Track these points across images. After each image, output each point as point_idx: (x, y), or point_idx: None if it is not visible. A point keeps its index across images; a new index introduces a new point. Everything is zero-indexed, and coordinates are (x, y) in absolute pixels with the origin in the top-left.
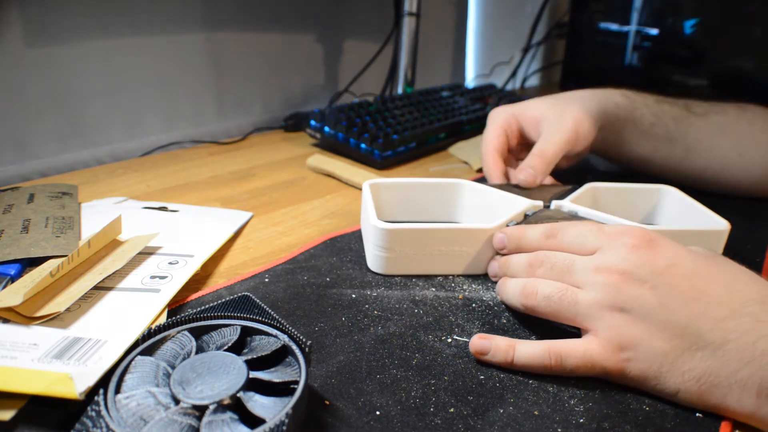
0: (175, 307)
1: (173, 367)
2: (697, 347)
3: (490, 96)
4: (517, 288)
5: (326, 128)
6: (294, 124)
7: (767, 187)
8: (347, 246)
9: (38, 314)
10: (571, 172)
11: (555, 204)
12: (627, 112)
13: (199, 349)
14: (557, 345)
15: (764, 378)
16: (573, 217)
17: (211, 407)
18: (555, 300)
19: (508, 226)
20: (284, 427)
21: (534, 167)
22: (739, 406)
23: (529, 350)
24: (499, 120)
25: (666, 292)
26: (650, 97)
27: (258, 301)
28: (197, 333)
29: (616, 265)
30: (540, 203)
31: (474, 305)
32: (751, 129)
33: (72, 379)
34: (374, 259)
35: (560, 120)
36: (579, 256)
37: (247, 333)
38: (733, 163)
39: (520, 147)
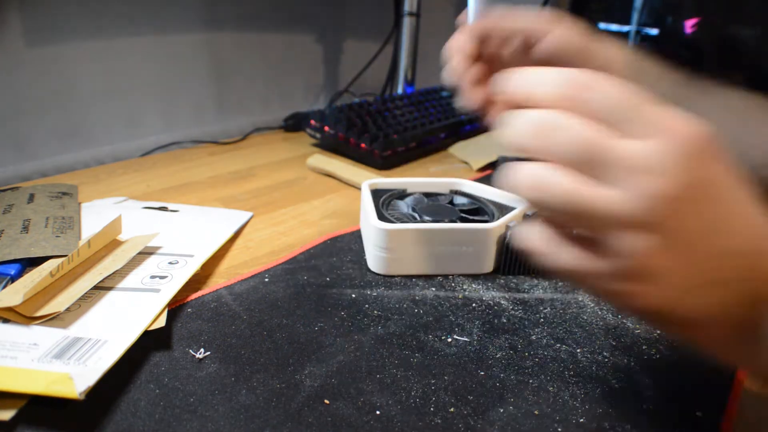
0: (174, 307)
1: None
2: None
3: None
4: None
5: (326, 128)
6: (294, 124)
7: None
8: (347, 246)
9: (38, 314)
10: None
11: None
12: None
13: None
14: None
15: None
16: None
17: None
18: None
19: (508, 226)
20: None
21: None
22: None
23: None
24: None
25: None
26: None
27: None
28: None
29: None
30: None
31: (474, 305)
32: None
33: (72, 379)
34: (375, 259)
35: None
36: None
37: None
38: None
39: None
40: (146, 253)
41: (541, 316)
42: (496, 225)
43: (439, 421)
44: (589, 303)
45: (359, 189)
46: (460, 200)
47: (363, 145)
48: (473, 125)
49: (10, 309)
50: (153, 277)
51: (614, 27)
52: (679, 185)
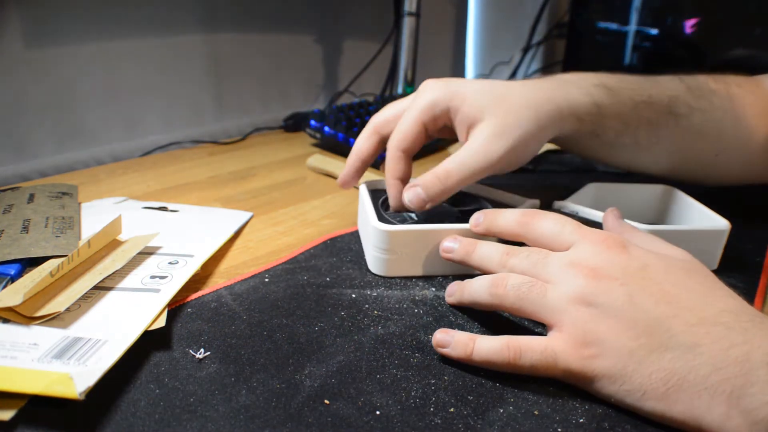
0: (174, 307)
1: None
2: (666, 347)
3: None
4: (486, 279)
5: (326, 128)
6: (294, 124)
7: (742, 181)
8: (347, 246)
9: (38, 314)
10: (572, 172)
11: (556, 204)
12: (591, 124)
13: None
14: (518, 339)
15: (736, 386)
16: (573, 217)
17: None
18: (524, 290)
19: None
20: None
21: (427, 189)
22: (707, 415)
23: (488, 344)
24: (426, 107)
25: (637, 290)
26: (631, 95)
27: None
28: None
29: (587, 260)
30: (538, 202)
31: None
32: (736, 124)
33: (72, 379)
34: (375, 261)
35: (497, 137)
36: (552, 252)
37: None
38: (708, 163)
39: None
40: (146, 253)
41: None
42: None
43: (439, 421)
44: None
45: (358, 189)
46: (460, 200)
47: None
48: None
49: (10, 309)
50: (153, 277)
51: (614, 27)
52: (593, 271)
